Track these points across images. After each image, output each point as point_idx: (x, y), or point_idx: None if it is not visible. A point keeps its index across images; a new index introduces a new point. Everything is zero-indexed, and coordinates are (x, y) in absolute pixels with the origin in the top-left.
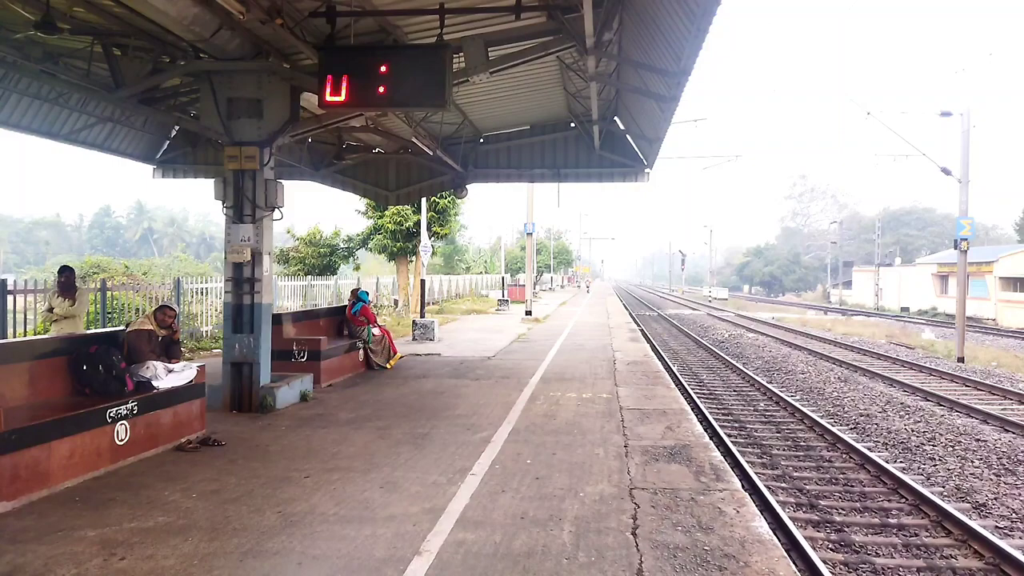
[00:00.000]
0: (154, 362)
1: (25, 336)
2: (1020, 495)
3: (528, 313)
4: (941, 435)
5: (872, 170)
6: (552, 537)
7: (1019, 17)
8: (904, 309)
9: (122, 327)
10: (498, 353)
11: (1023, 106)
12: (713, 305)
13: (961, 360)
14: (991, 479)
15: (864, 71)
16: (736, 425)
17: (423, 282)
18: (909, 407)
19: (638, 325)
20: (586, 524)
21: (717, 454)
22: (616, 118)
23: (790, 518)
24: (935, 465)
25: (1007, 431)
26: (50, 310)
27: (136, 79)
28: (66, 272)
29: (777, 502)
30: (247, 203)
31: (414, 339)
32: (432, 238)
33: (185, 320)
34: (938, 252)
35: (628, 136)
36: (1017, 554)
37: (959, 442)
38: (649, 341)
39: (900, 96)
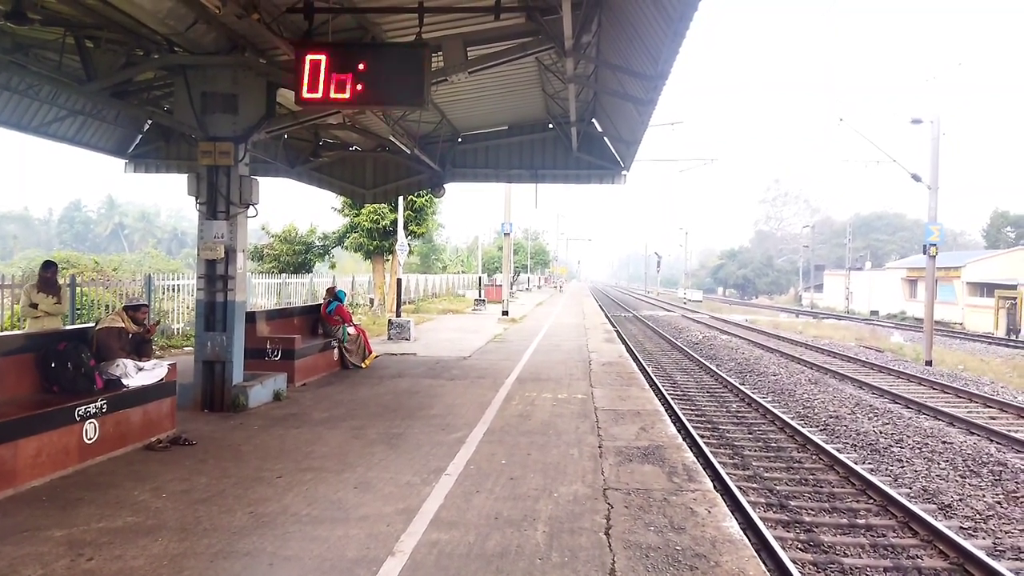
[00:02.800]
0: (124, 360)
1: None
2: (984, 496)
3: (505, 313)
4: (909, 437)
5: (844, 176)
6: (526, 537)
7: (987, 28)
8: (874, 312)
9: (92, 324)
10: (474, 353)
11: (991, 115)
12: (688, 307)
13: (929, 363)
14: (957, 480)
15: (838, 77)
16: (709, 426)
17: (399, 281)
18: (878, 409)
19: (614, 326)
20: (560, 524)
21: (690, 455)
22: (594, 120)
23: (760, 518)
24: (903, 467)
25: (972, 433)
26: (33, 306)
27: (109, 72)
28: (51, 268)
29: (748, 502)
30: (221, 199)
31: (390, 338)
32: (409, 237)
33: (156, 317)
34: (908, 257)
35: (606, 138)
36: (980, 554)
37: (926, 444)
38: (624, 342)
39: (873, 103)
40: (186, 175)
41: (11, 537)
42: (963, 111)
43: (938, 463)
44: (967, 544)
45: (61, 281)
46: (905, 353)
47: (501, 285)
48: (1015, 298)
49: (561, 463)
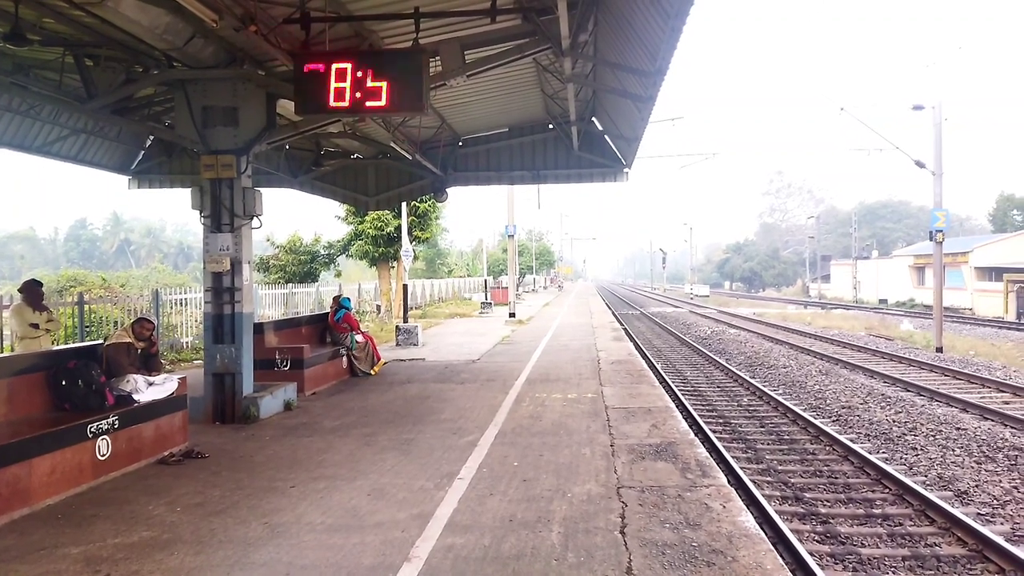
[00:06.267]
0: (134, 375)
1: (9, 351)
2: (1000, 482)
3: (512, 315)
4: (922, 425)
5: (847, 165)
6: (541, 539)
7: (986, 11)
8: (882, 301)
9: (100, 341)
10: (483, 356)
11: (994, 98)
12: (695, 302)
13: (939, 350)
14: (972, 467)
15: (838, 68)
16: (721, 421)
17: (405, 287)
18: (890, 398)
19: (621, 324)
20: (575, 524)
21: (702, 450)
22: (594, 119)
23: (776, 511)
24: (917, 455)
25: (986, 419)
26: (35, 326)
27: (109, 89)
28: (41, 285)
29: (763, 496)
30: (225, 212)
31: (398, 344)
32: (413, 242)
33: (165, 331)
34: (914, 244)
35: (606, 136)
36: (999, 540)
37: (940, 431)
38: (632, 340)
39: (874, 91)
40: (190, 189)
41: (29, 556)
42: (965, 95)
43: (953, 450)
44: (985, 530)
45: (70, 298)
46: (915, 340)
47: (507, 287)
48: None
49: (573, 463)
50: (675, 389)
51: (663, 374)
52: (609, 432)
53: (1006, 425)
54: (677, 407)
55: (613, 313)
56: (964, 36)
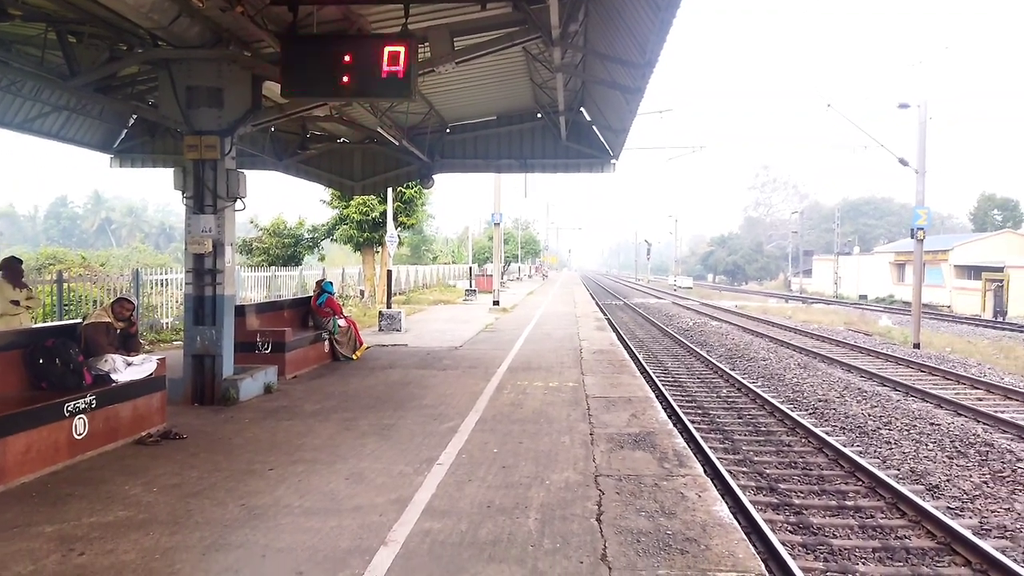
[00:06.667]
0: (112, 355)
1: None
2: (971, 477)
3: (496, 303)
4: (897, 419)
5: (832, 161)
6: (518, 525)
7: (974, 11)
8: (862, 296)
9: (79, 320)
10: (465, 343)
11: (977, 98)
12: (678, 294)
13: (917, 346)
14: (944, 462)
15: (827, 64)
16: (700, 411)
17: (389, 272)
18: (866, 392)
19: (604, 314)
20: (552, 511)
21: (680, 440)
22: (582, 109)
23: (751, 502)
24: (891, 449)
25: (960, 415)
26: (15, 303)
27: (92, 67)
28: (20, 262)
29: (738, 486)
30: (208, 193)
31: (380, 330)
32: (399, 228)
33: (145, 312)
34: (895, 241)
35: (594, 127)
36: (967, 533)
37: (914, 426)
38: (615, 330)
39: (860, 88)
40: (172, 170)
41: (2, 534)
42: (950, 95)
43: (926, 444)
44: (954, 524)
45: (49, 277)
46: (893, 336)
47: (492, 275)
48: (1001, 280)
49: (553, 451)
50: (656, 379)
51: (644, 364)
52: (589, 421)
53: (978, 421)
54: (657, 397)
55: (597, 303)
56: (952, 36)
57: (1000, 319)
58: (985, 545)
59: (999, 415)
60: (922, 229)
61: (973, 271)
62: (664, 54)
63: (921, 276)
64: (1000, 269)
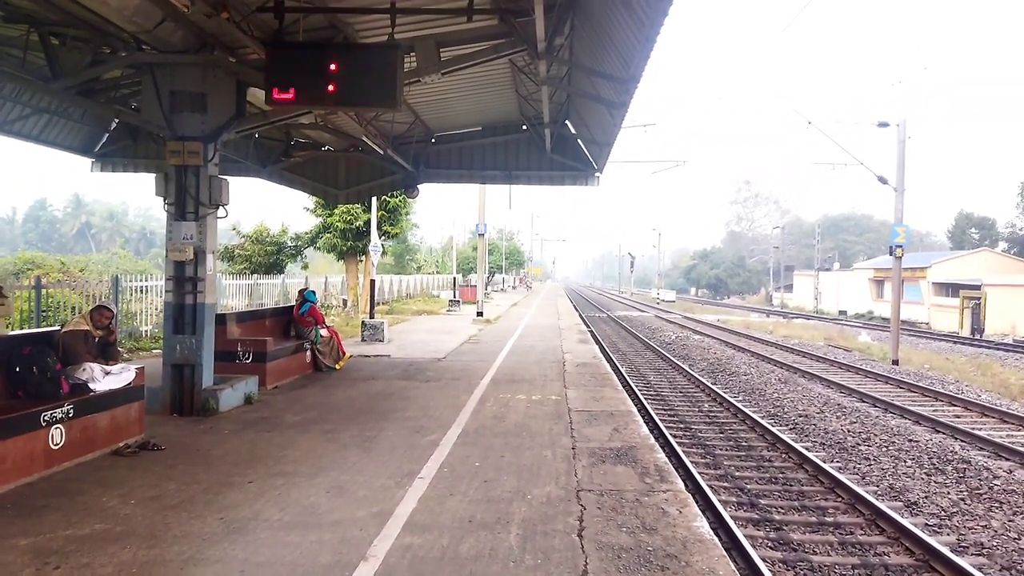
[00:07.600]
0: (90, 364)
1: None
2: (949, 493)
3: (479, 314)
4: (876, 435)
5: (813, 178)
6: (499, 540)
7: (952, 34)
8: (842, 312)
9: (57, 327)
10: (448, 355)
11: (956, 117)
12: (661, 307)
13: (896, 363)
14: (922, 478)
15: (807, 82)
16: (681, 426)
17: (373, 282)
18: (846, 408)
19: (588, 327)
20: (533, 527)
21: (662, 455)
22: (567, 122)
23: (731, 517)
24: (870, 465)
25: (938, 432)
26: None
27: (75, 70)
28: None
29: (719, 502)
30: (190, 200)
31: (363, 340)
32: (383, 237)
33: (124, 319)
34: (875, 258)
35: (579, 140)
36: (945, 550)
37: (893, 442)
38: (598, 343)
39: (841, 106)
40: (154, 175)
41: None
42: (929, 114)
43: (904, 461)
44: (932, 541)
45: (27, 282)
46: (872, 352)
47: (476, 286)
48: (979, 298)
49: (535, 465)
50: (638, 393)
51: (627, 378)
52: (571, 435)
53: (956, 438)
54: (639, 411)
55: (580, 315)
56: (930, 56)
57: (977, 336)
58: (963, 562)
59: (976, 432)
60: (900, 247)
61: (951, 289)
62: (648, 69)
63: (900, 293)
64: (977, 287)
